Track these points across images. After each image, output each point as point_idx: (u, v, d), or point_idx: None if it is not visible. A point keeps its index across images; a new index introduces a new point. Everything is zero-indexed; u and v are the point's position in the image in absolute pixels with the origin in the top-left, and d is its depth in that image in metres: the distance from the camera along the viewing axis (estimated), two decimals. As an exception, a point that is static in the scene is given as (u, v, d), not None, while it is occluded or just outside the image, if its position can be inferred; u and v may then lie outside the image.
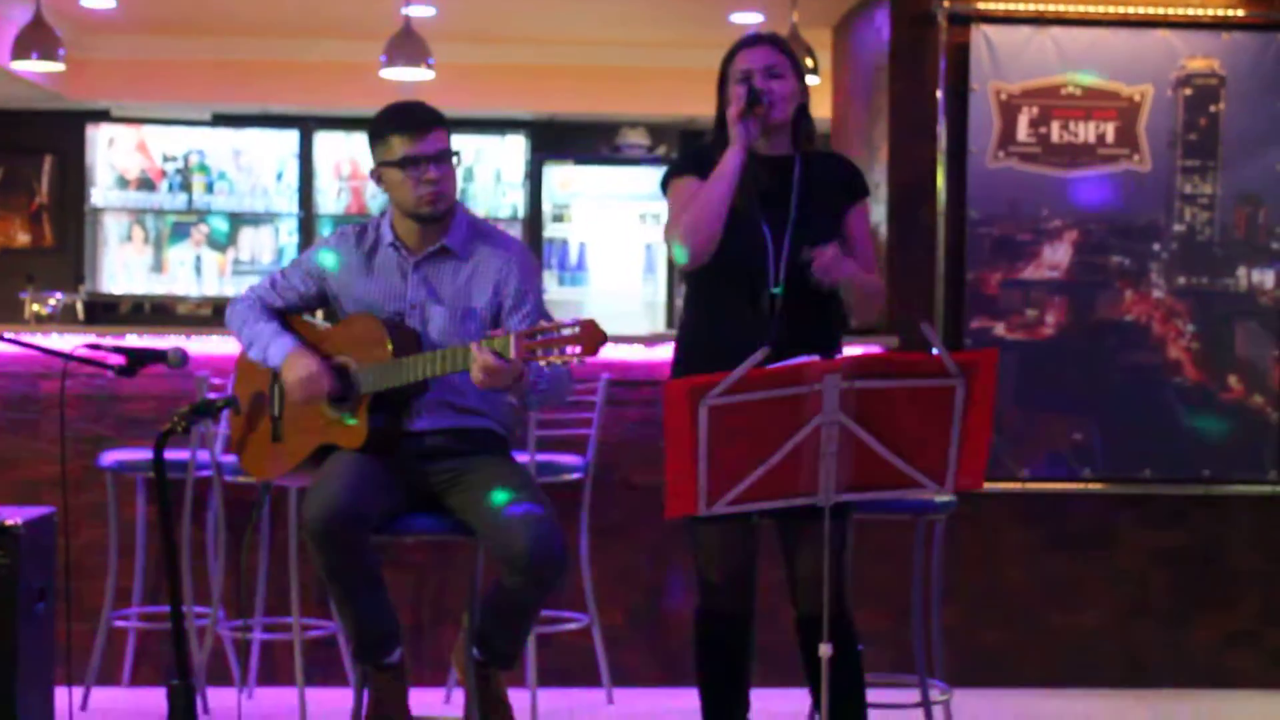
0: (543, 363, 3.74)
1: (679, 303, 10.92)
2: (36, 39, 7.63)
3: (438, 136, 4.14)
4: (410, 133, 4.12)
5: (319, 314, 4.51)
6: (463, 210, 4.28)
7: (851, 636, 3.98)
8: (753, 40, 4.07)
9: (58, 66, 7.81)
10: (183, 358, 3.86)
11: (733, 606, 4.01)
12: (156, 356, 3.85)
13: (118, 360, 3.84)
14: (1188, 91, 5.93)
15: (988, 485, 3.67)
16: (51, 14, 7.64)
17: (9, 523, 4.44)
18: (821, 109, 5.37)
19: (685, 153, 4.14)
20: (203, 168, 10.92)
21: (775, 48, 4.03)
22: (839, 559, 3.88)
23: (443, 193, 4.14)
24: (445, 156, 4.15)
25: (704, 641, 4.05)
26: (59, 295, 8.35)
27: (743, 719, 4.07)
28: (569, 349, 3.69)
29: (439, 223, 4.19)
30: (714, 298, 4.01)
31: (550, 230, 10.92)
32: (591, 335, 3.69)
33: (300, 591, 5.21)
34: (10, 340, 4.07)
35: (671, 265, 10.93)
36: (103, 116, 10.68)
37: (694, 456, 3.34)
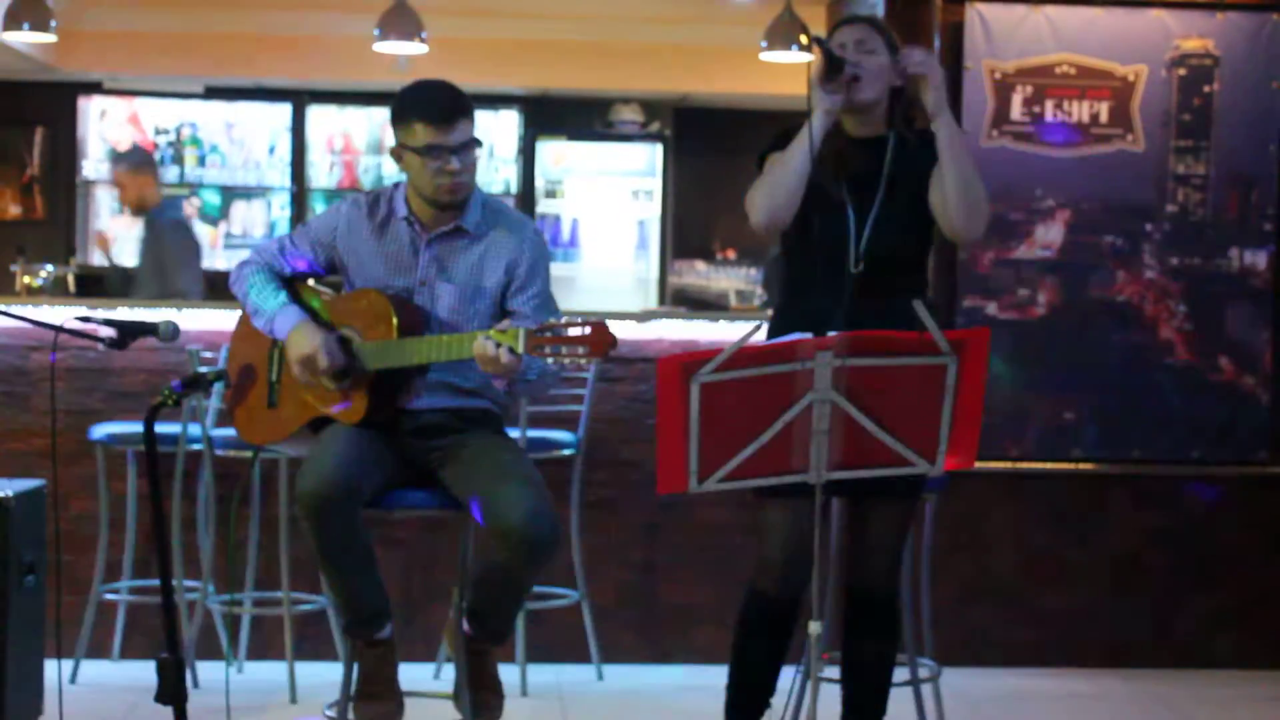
0: (549, 360, 3.73)
1: (672, 279, 10.95)
2: (28, 10, 7.61)
3: (464, 127, 4.07)
4: (436, 122, 4.04)
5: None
6: (477, 189, 4.23)
7: (897, 618, 4.05)
8: (849, 19, 4.06)
9: (49, 38, 7.80)
10: (174, 330, 3.85)
11: (788, 588, 3.94)
12: (147, 329, 3.83)
13: (108, 333, 3.83)
14: (1182, 72, 5.93)
15: (978, 464, 3.65)
16: (44, -15, 7.62)
17: (-1, 495, 4.45)
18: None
19: (781, 131, 4.10)
20: (195, 140, 10.90)
21: (870, 26, 4.00)
22: (899, 540, 3.95)
23: (463, 184, 4.10)
24: (469, 146, 4.09)
25: (751, 621, 4.00)
26: (50, 267, 8.33)
27: (768, 702, 4.04)
28: (578, 349, 3.68)
29: (455, 201, 4.14)
30: (798, 276, 4.03)
31: (543, 206, 10.92)
32: (601, 338, 3.67)
33: (290, 565, 5.21)
34: (0, 312, 4.05)
35: (664, 242, 10.94)
36: (95, 88, 10.65)
37: (686, 433, 3.33)
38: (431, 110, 4.07)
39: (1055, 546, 5.94)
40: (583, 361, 3.70)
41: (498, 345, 3.75)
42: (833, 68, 3.86)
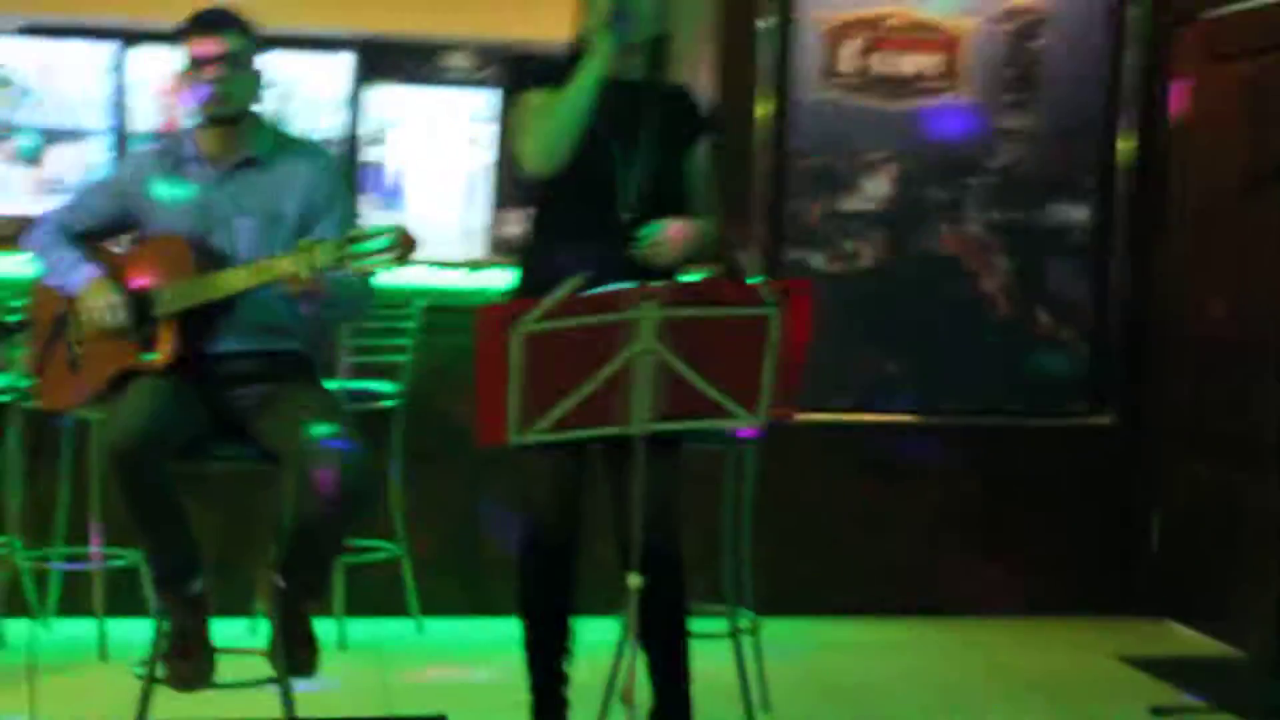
0: (352, 269, 3.70)
1: (498, 230, 10.84)
2: None
3: (222, 39, 4.06)
4: (195, 35, 4.07)
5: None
6: (268, 122, 4.20)
7: (676, 567, 3.98)
8: None
9: None
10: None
11: (560, 536, 3.97)
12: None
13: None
14: (1010, 26, 5.96)
15: (800, 416, 3.64)
16: None
17: None
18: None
19: (533, 67, 4.04)
20: (7, 81, 10.56)
21: None
22: (666, 488, 3.86)
23: (223, 94, 4.05)
24: (229, 59, 4.06)
25: (529, 571, 4.02)
26: None
27: (566, 649, 4.06)
28: (383, 250, 3.67)
29: (241, 134, 4.09)
30: (561, 219, 3.95)
31: (370, 153, 10.75)
32: (404, 238, 3.70)
33: (103, 520, 5.07)
34: None
35: (498, 190, 10.83)
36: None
37: (505, 384, 3.28)
38: (194, 24, 4.10)
39: (876, 498, 5.98)
40: (388, 260, 3.69)
41: (298, 257, 3.72)
42: (619, 11, 3.85)
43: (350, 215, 4.16)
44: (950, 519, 6.02)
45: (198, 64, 4.05)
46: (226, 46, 4.06)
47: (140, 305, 3.99)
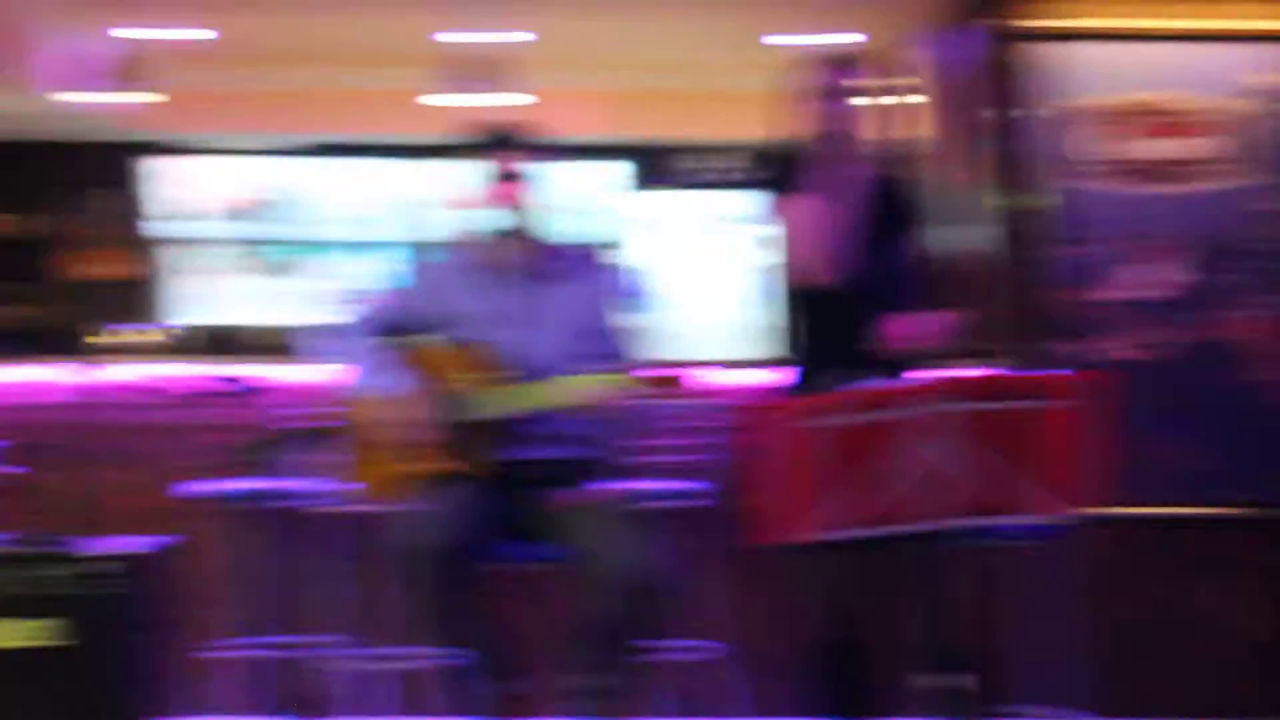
0: (639, 399, 3.80)
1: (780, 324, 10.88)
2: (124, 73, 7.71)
3: (518, 155, 4.27)
4: (492, 152, 4.27)
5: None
6: (558, 234, 4.35)
7: (967, 667, 3.97)
8: (838, 60, 4.07)
9: (130, 96, 7.86)
10: (254, 388, 3.90)
11: (855, 634, 3.97)
12: (234, 385, 3.88)
13: (227, 388, 3.87)
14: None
15: (1095, 510, 3.61)
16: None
17: (119, 552, 4.51)
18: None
19: (779, 170, 4.15)
20: (271, 198, 11.00)
21: (854, 66, 4.03)
22: (945, 586, 3.85)
23: (529, 208, 4.26)
24: (527, 176, 4.25)
25: (831, 670, 4.02)
26: (139, 326, 8.40)
27: None
28: (664, 386, 3.76)
29: (536, 242, 4.23)
30: (824, 318, 4.00)
31: (633, 255, 10.90)
32: (681, 378, 3.83)
33: (409, 620, 5.23)
34: (98, 371, 4.10)
35: (770, 288, 10.88)
36: (177, 149, 10.78)
37: (794, 481, 3.31)
38: (490, 141, 4.29)
39: (1206, 595, 5.81)
40: (669, 398, 3.78)
41: (595, 388, 3.83)
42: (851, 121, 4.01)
43: (633, 333, 4.29)
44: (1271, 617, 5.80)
45: (502, 178, 4.23)
46: (524, 163, 4.24)
47: (445, 408, 4.12)
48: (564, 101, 9.27)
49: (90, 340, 8.20)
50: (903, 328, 3.92)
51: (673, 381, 3.86)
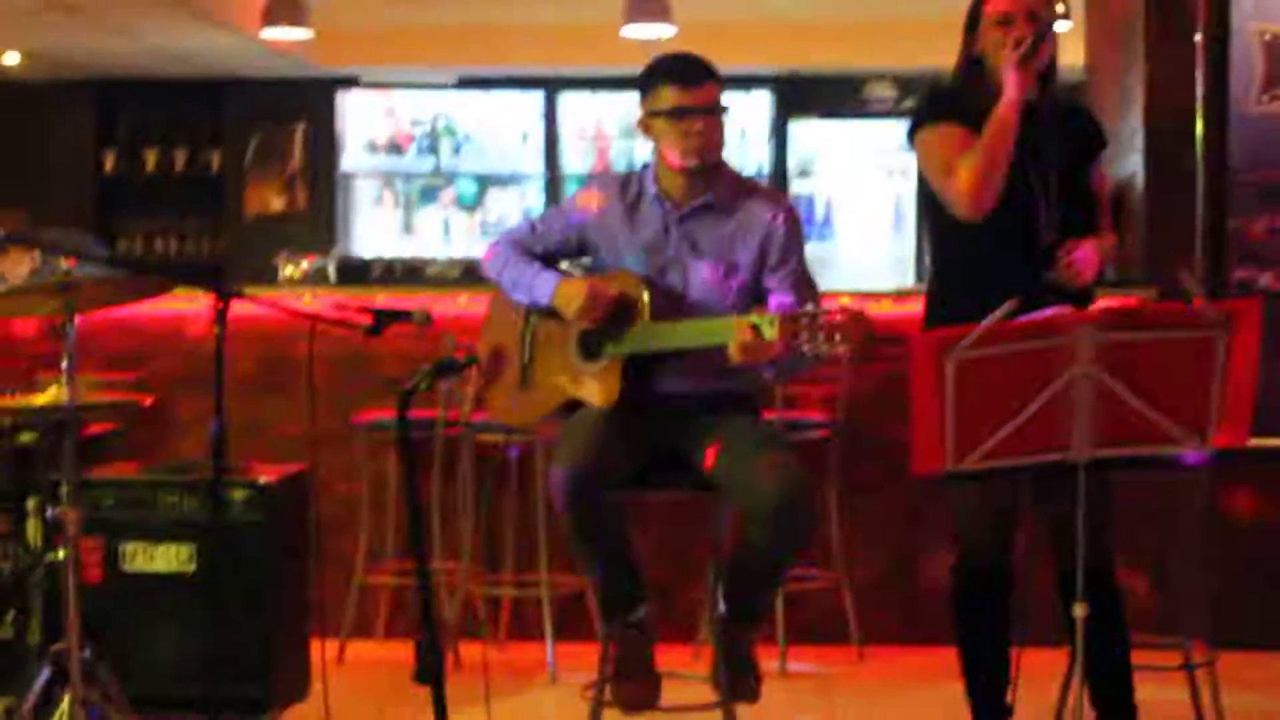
0: (806, 349, 3.67)
1: (926, 257, 10.78)
2: (286, 8, 7.80)
3: (709, 89, 4.07)
4: (681, 84, 4.06)
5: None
6: (728, 166, 4.21)
7: (1115, 594, 3.89)
8: None
9: (307, 34, 7.98)
10: (427, 317, 3.88)
11: (993, 563, 3.92)
12: (402, 316, 3.87)
13: (364, 320, 3.88)
14: None
15: (1252, 441, 3.49)
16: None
17: (263, 480, 4.57)
18: (1073, 55, 5.18)
19: (934, 98, 4.05)
20: (449, 131, 11.08)
21: None
22: (1101, 514, 3.75)
23: (710, 145, 4.08)
24: (715, 109, 4.08)
25: (964, 600, 3.98)
26: (312, 259, 8.53)
27: (1005, 678, 4.00)
28: (836, 337, 3.60)
29: (704, 177, 4.13)
30: (980, 249, 3.91)
31: (796, 186, 10.84)
32: (858, 328, 3.57)
33: (549, 547, 5.25)
34: (261, 302, 4.13)
35: (920, 219, 10.78)
36: (351, 83, 10.90)
37: (942, 412, 3.25)
38: (679, 72, 4.08)
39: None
40: (840, 350, 3.62)
41: (753, 332, 3.71)
42: (1036, 47, 3.83)
43: (803, 273, 4.12)
44: None
45: (683, 113, 4.04)
46: (712, 97, 4.08)
47: (605, 339, 4.09)
48: (714, 31, 9.24)
49: (275, 271, 8.36)
50: (1083, 255, 3.82)
51: (848, 321, 3.62)
